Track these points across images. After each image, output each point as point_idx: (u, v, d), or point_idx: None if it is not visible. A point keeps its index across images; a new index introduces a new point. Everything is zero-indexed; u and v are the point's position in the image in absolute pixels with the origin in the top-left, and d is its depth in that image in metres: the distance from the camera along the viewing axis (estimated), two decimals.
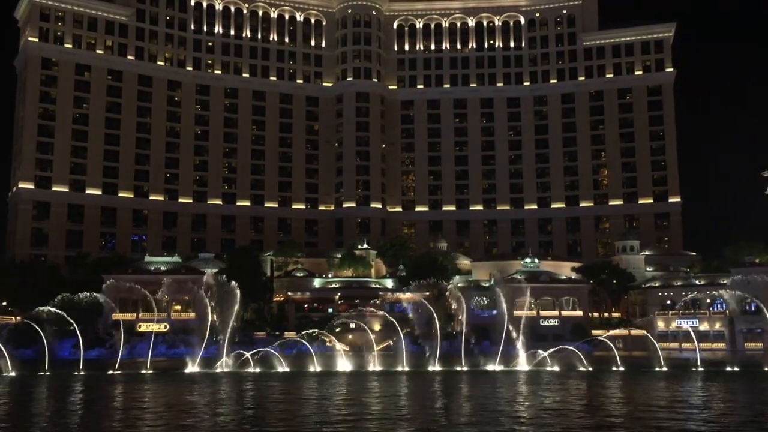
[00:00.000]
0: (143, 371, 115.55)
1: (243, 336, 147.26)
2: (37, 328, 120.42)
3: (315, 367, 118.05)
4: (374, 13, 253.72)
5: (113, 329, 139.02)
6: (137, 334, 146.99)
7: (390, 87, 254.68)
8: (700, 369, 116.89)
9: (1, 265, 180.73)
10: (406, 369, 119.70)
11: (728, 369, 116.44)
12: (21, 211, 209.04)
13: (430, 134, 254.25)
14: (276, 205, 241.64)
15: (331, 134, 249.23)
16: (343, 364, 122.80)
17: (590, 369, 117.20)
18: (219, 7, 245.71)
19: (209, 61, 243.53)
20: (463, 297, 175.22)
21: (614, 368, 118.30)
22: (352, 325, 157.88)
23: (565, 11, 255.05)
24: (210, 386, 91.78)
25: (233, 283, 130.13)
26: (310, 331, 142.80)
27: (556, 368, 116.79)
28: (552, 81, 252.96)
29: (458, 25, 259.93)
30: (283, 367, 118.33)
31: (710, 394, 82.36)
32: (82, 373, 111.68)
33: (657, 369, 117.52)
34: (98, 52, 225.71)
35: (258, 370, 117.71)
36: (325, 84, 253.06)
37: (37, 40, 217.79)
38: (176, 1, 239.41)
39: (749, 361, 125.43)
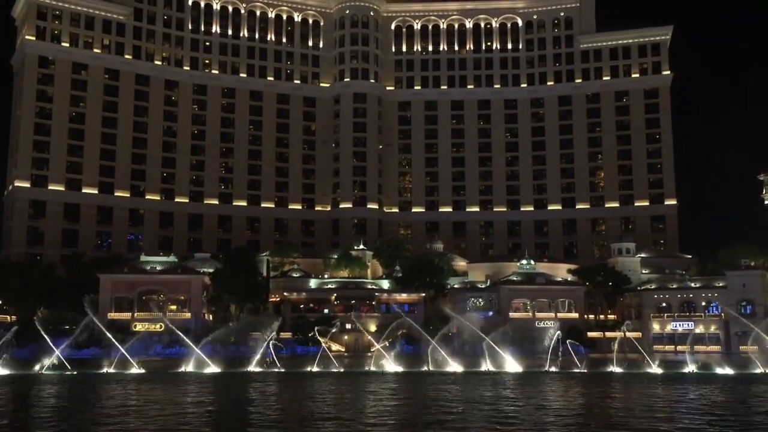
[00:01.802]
0: (133, 371, 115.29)
1: (239, 336, 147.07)
2: (40, 329, 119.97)
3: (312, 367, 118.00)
4: (372, 14, 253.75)
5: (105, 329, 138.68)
6: (132, 333, 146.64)
7: (387, 88, 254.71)
8: (694, 371, 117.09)
9: None
10: (400, 370, 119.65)
11: (720, 371, 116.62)
12: (17, 210, 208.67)
13: (427, 135, 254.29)
14: (273, 206, 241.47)
15: (328, 135, 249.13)
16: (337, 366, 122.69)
17: (584, 371, 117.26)
18: (216, 6, 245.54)
19: (206, 61, 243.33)
20: (460, 298, 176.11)
21: (609, 370, 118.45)
22: (348, 326, 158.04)
23: (562, 13, 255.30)
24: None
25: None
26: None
27: (553, 369, 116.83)
28: (549, 83, 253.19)
29: (456, 26, 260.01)
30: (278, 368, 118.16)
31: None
32: (74, 372, 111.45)
33: (649, 371, 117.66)
34: (95, 50, 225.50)
35: (258, 369, 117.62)
36: (322, 84, 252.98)
37: (34, 38, 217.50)
38: (174, 1, 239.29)
39: (743, 364, 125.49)
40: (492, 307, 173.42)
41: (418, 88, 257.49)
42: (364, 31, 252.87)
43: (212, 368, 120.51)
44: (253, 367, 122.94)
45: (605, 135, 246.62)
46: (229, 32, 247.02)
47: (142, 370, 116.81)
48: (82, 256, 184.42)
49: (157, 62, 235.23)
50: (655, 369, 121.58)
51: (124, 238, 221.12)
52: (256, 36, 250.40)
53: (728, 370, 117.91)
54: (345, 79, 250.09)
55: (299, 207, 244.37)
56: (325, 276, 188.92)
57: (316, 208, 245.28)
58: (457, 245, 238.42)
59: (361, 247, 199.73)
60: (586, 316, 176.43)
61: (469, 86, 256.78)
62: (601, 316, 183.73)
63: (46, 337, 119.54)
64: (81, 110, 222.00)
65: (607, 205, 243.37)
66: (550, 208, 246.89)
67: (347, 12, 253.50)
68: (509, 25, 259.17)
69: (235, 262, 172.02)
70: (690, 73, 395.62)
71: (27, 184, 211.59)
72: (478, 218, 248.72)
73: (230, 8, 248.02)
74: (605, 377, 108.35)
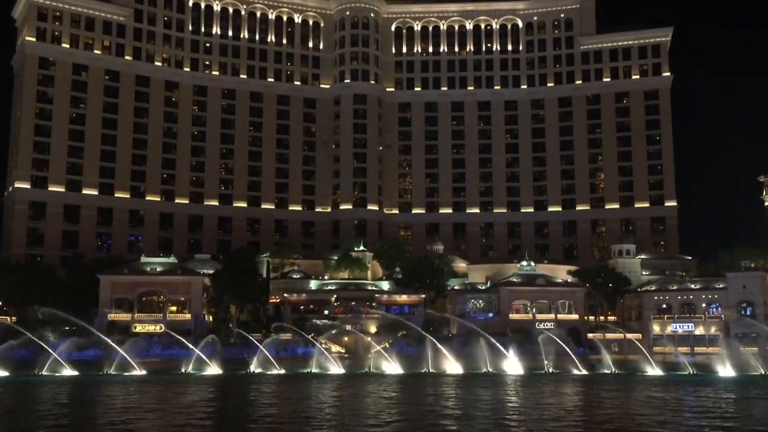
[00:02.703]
0: (135, 372, 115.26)
1: (239, 337, 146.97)
2: (29, 334, 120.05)
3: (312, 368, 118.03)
4: (372, 15, 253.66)
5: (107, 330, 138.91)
6: (133, 334, 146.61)
7: (387, 89, 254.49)
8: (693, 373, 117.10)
9: None
10: (399, 371, 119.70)
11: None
12: (17, 211, 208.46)
13: (427, 137, 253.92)
14: (273, 207, 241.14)
15: (328, 136, 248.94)
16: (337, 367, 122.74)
17: (585, 372, 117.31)
18: (217, 8, 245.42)
19: (207, 62, 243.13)
20: (460, 300, 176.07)
21: (608, 372, 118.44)
22: (348, 328, 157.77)
23: (562, 15, 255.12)
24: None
25: None
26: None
27: (553, 371, 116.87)
28: (549, 84, 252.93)
29: (456, 27, 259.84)
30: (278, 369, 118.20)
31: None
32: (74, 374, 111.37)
33: (649, 373, 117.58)
34: (96, 52, 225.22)
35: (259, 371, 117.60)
36: (322, 86, 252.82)
37: (34, 39, 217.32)
38: (174, 2, 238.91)
39: (743, 366, 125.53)
40: (492, 309, 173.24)
41: (419, 89, 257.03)
42: (364, 33, 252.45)
43: (212, 370, 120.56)
44: (253, 368, 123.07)
45: (605, 136, 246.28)
46: (230, 33, 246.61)
47: (143, 372, 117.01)
48: (83, 257, 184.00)
49: (157, 63, 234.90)
50: (656, 371, 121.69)
51: (124, 239, 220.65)
52: (257, 37, 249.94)
53: (729, 373, 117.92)
54: (345, 81, 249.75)
55: (299, 208, 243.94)
56: (326, 277, 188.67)
57: (317, 210, 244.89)
58: (458, 246, 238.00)
59: (362, 248, 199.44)
60: (586, 317, 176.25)
61: (469, 87, 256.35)
62: (602, 318, 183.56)
63: (36, 339, 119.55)
64: (81, 111, 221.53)
65: (607, 207, 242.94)
66: (550, 209, 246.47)
67: (347, 13, 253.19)
68: (509, 26, 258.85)
69: (235, 264, 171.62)
70: (690, 74, 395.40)
71: (27, 186, 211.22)
72: (479, 220, 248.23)
73: (230, 9, 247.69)
74: (605, 379, 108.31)
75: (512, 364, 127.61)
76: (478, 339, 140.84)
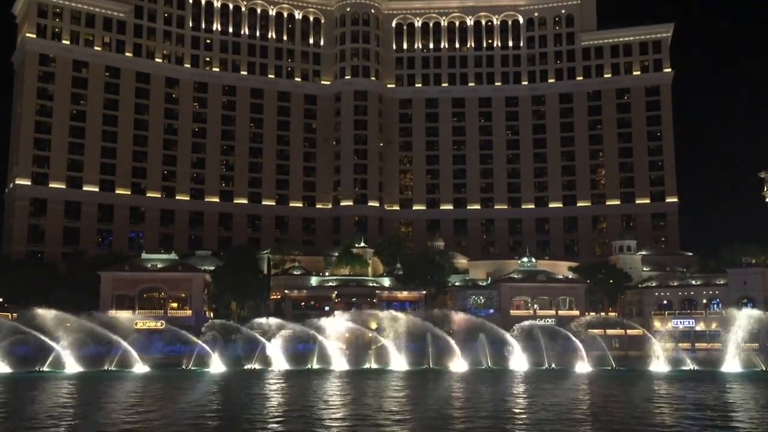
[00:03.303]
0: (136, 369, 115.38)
1: (239, 333, 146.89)
2: (31, 330, 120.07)
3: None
4: (373, 11, 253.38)
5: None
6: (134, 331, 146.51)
7: (388, 85, 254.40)
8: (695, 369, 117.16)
9: None
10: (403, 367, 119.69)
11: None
12: (18, 208, 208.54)
13: (428, 133, 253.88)
14: (273, 203, 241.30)
15: (329, 132, 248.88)
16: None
17: (589, 368, 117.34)
18: (217, 4, 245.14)
19: (207, 59, 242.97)
20: (460, 296, 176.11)
21: (609, 368, 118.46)
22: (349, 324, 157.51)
23: (563, 11, 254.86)
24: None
25: None
26: None
27: (555, 367, 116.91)
28: (550, 80, 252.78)
29: (457, 24, 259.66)
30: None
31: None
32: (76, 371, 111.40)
33: (651, 369, 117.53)
34: (96, 48, 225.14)
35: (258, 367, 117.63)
36: (323, 82, 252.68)
37: (34, 36, 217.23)
38: None
39: (744, 362, 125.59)
40: (493, 305, 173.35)
41: (419, 85, 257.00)
42: (364, 29, 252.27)
43: (215, 365, 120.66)
44: (252, 365, 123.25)
45: (606, 132, 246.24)
46: (230, 30, 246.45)
47: (146, 368, 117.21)
48: (83, 254, 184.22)
49: (157, 60, 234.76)
50: (660, 366, 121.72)
51: (125, 235, 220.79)
52: (257, 34, 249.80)
53: (730, 369, 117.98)
54: (346, 77, 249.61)
55: (300, 205, 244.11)
56: (326, 274, 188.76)
57: (317, 206, 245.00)
58: (458, 243, 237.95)
59: (362, 244, 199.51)
60: (587, 313, 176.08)
61: (470, 84, 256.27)
62: (602, 314, 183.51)
63: (39, 335, 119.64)
64: (82, 108, 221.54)
65: (608, 203, 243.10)
66: (551, 205, 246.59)
67: (348, 9, 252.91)
68: (510, 22, 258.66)
69: (235, 260, 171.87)
70: (691, 70, 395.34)
71: (28, 182, 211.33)
72: (479, 216, 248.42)
73: (231, 6, 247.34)
74: (611, 376, 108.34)
75: (517, 360, 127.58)
76: (478, 335, 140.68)
